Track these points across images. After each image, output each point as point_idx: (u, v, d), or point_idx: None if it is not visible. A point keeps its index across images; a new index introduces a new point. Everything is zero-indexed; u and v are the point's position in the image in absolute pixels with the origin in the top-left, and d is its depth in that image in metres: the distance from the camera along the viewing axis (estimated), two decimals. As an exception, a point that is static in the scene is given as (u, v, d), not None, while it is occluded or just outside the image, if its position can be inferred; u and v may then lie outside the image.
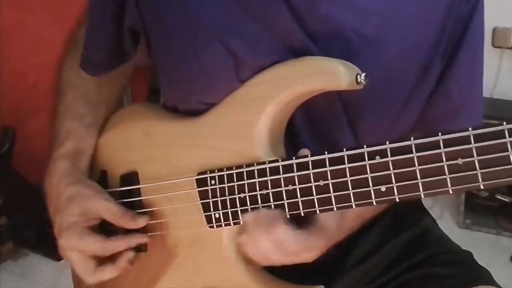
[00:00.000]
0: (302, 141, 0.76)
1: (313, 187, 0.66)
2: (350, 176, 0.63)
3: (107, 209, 0.79)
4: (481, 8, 0.77)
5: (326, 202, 0.65)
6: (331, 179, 0.65)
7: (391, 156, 0.61)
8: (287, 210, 0.68)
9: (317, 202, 0.66)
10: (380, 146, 0.62)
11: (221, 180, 0.72)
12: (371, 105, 0.74)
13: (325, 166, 0.65)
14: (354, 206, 0.64)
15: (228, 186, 0.72)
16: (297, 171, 0.67)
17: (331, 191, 0.65)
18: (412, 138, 0.60)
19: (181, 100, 0.80)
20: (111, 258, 0.80)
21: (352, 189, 0.63)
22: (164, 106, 0.86)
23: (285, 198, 0.68)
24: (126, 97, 2.00)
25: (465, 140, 0.57)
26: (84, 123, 0.87)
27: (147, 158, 0.82)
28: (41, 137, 1.94)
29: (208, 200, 0.74)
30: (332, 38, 0.71)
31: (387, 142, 0.61)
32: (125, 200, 0.83)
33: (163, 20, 0.76)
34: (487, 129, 0.56)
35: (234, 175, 0.71)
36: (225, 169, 0.72)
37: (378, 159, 0.62)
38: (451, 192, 0.58)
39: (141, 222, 0.80)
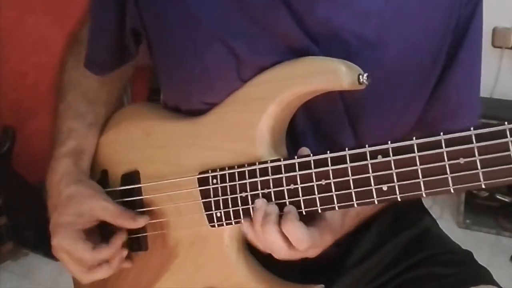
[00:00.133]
0: (303, 140, 0.75)
1: (315, 186, 0.66)
2: (352, 175, 0.63)
3: (106, 209, 0.79)
4: (481, 10, 0.78)
5: (328, 201, 0.65)
6: (333, 178, 0.65)
7: (393, 156, 0.61)
8: None
9: (319, 201, 0.66)
10: (382, 146, 0.62)
11: (222, 179, 0.72)
12: (372, 106, 0.74)
13: (327, 165, 0.65)
14: (356, 205, 0.64)
15: (229, 185, 0.72)
16: (299, 170, 0.67)
17: (333, 190, 0.65)
18: (414, 138, 0.60)
19: (182, 100, 0.80)
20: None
21: (354, 188, 0.63)
22: (164, 106, 0.86)
23: (286, 197, 0.68)
24: (126, 97, 2.00)
25: (467, 140, 0.57)
26: (86, 122, 0.88)
27: (148, 158, 0.82)
28: (41, 137, 1.94)
29: (209, 199, 0.74)
30: (332, 40, 0.71)
31: (389, 142, 0.61)
32: (126, 199, 0.83)
33: (163, 20, 0.76)
34: (488, 128, 0.56)
35: (236, 174, 0.71)
36: (226, 168, 0.72)
37: (380, 159, 0.62)
38: (452, 191, 0.58)
39: (141, 221, 0.80)
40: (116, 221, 0.80)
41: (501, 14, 2.18)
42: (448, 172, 0.58)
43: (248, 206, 0.71)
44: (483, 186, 0.56)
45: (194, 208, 0.76)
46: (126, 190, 0.83)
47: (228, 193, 0.72)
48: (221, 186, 0.73)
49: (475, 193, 2.28)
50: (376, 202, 0.63)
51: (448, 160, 0.58)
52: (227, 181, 0.72)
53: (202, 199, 0.74)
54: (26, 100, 2.21)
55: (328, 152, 0.65)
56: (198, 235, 0.77)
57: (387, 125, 0.76)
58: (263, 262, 0.77)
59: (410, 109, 0.78)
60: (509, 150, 0.55)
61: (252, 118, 0.71)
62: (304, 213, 0.67)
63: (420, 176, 0.59)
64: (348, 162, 0.64)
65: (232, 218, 0.72)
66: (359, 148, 0.63)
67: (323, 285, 0.74)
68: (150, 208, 0.81)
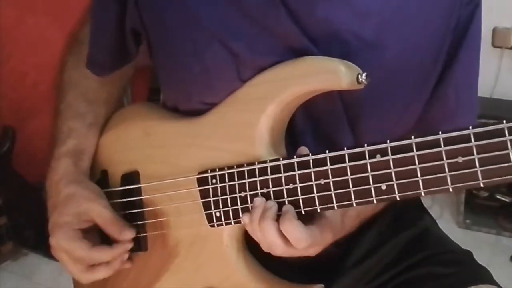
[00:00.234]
0: (303, 140, 0.76)
1: (314, 185, 0.66)
2: (350, 174, 0.63)
3: (100, 214, 0.80)
4: (480, 11, 0.78)
5: (327, 201, 0.65)
6: (332, 177, 0.65)
7: (391, 155, 0.61)
8: None
9: (318, 201, 0.66)
10: (381, 145, 0.62)
11: (222, 179, 0.72)
12: (372, 106, 0.74)
13: (326, 165, 0.65)
14: (354, 205, 0.64)
15: (229, 185, 0.72)
16: (298, 170, 0.67)
17: (332, 189, 0.65)
18: (412, 137, 0.60)
19: (182, 100, 0.80)
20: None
21: (353, 187, 0.64)
22: (164, 106, 0.86)
23: (285, 197, 0.68)
24: (126, 97, 2.00)
25: (465, 139, 0.57)
26: (86, 122, 0.88)
27: (147, 158, 0.82)
28: (41, 137, 1.94)
29: (209, 199, 0.74)
30: (331, 40, 0.71)
31: (388, 141, 0.62)
32: (126, 199, 0.83)
33: (163, 21, 0.76)
34: (487, 127, 0.56)
35: (235, 174, 0.71)
36: (226, 168, 0.72)
37: (378, 158, 0.62)
38: (451, 190, 0.58)
39: (126, 235, 0.80)
40: (106, 228, 0.80)
41: (501, 14, 2.18)
42: (447, 170, 0.58)
43: (248, 206, 0.71)
44: (482, 185, 0.57)
45: (194, 208, 0.76)
46: (126, 190, 0.83)
47: (227, 193, 0.72)
48: (220, 186, 0.73)
49: (475, 193, 2.28)
50: (375, 201, 0.63)
51: (447, 159, 0.58)
52: (226, 181, 0.72)
53: (201, 199, 0.74)
54: (26, 100, 2.21)
55: (327, 151, 0.65)
56: (198, 235, 0.77)
57: (387, 125, 0.76)
58: (263, 262, 0.78)
59: (409, 109, 0.78)
60: (507, 149, 0.55)
61: (251, 118, 0.71)
62: (303, 212, 0.67)
63: (419, 175, 0.60)
64: (347, 161, 0.64)
65: (232, 218, 0.72)
66: (358, 147, 0.63)
67: (322, 285, 0.75)
68: (150, 208, 0.81)
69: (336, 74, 0.66)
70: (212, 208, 0.74)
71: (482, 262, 0.87)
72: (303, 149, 0.68)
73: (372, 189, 0.62)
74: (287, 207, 0.67)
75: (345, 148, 0.64)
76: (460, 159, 0.57)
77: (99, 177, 0.88)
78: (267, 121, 0.71)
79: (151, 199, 0.81)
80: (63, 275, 1.88)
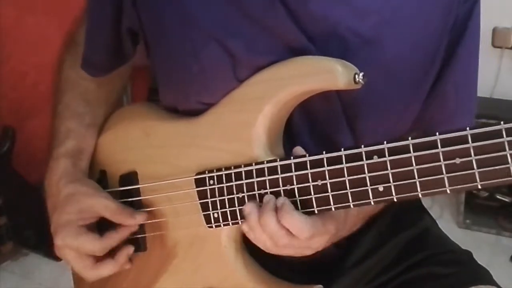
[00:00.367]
0: (300, 141, 0.75)
1: (311, 186, 0.66)
2: (348, 175, 0.63)
3: (106, 206, 0.79)
4: (479, 8, 0.77)
5: (324, 202, 0.65)
6: (329, 178, 0.65)
7: (388, 156, 0.61)
8: None
9: (315, 202, 0.66)
10: (378, 146, 0.62)
11: (219, 180, 0.72)
12: (370, 105, 0.74)
13: (323, 166, 0.65)
14: (352, 206, 0.64)
15: (226, 186, 0.72)
16: (295, 171, 0.67)
17: (329, 190, 0.65)
18: (409, 138, 0.60)
19: (180, 100, 0.80)
20: (110, 253, 0.80)
21: (350, 188, 0.63)
22: (162, 106, 0.86)
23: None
24: (126, 97, 2.00)
25: (463, 140, 0.57)
26: (84, 122, 0.88)
27: (146, 158, 0.82)
28: (41, 137, 1.93)
29: (206, 200, 0.74)
30: (329, 38, 0.70)
31: (385, 142, 0.61)
32: (124, 200, 0.83)
33: (161, 20, 0.76)
34: (484, 128, 0.56)
35: (233, 175, 0.71)
36: (223, 169, 0.72)
37: (376, 159, 0.62)
38: (448, 191, 0.58)
39: (139, 219, 0.80)
40: (115, 218, 0.80)
41: (501, 14, 2.18)
42: (444, 172, 0.58)
43: (246, 207, 0.71)
44: (479, 187, 0.56)
45: (192, 208, 0.76)
46: (125, 190, 0.83)
47: (225, 193, 0.72)
48: (218, 187, 0.73)
49: (475, 193, 2.28)
50: (372, 203, 0.62)
51: (444, 160, 0.58)
52: (224, 181, 0.72)
53: (199, 199, 0.74)
54: (26, 100, 2.21)
55: (324, 152, 0.65)
56: (196, 235, 0.77)
57: (386, 124, 0.76)
58: (261, 263, 0.78)
59: (408, 108, 0.78)
60: (505, 150, 0.55)
61: (249, 118, 0.71)
62: None
63: (416, 177, 0.59)
64: (344, 162, 0.64)
65: (230, 219, 0.72)
66: (355, 148, 0.63)
67: (321, 286, 0.75)
68: (149, 209, 0.81)
69: (333, 74, 0.65)
70: (210, 209, 0.74)
71: (482, 262, 0.87)
72: (299, 149, 0.68)
73: (369, 190, 0.62)
74: (282, 200, 0.66)
75: (342, 149, 0.64)
76: (457, 161, 0.57)
77: (98, 177, 0.87)
78: (264, 121, 0.71)
79: (149, 200, 0.81)
80: (63, 275, 1.89)
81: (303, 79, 0.68)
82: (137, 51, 0.88)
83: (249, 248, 0.77)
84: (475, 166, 0.56)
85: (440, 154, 0.58)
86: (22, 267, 2.16)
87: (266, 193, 0.69)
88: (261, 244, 0.69)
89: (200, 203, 0.74)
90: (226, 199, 0.72)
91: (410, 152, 0.60)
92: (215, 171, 0.73)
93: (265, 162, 0.69)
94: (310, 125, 0.75)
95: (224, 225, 0.73)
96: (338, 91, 0.70)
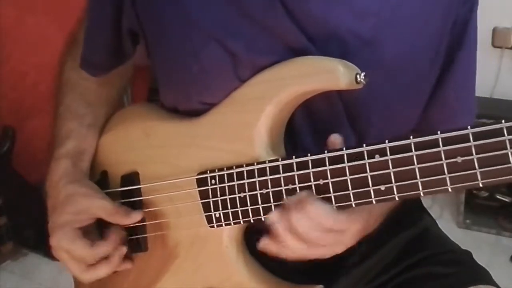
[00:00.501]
0: (302, 140, 0.76)
1: (313, 186, 0.66)
2: (349, 175, 0.63)
3: (102, 206, 0.80)
4: (476, 9, 0.78)
5: (326, 201, 0.65)
6: (331, 178, 0.65)
7: (390, 155, 0.61)
8: None
9: (317, 201, 0.66)
10: (380, 145, 0.62)
11: (221, 179, 0.72)
12: (371, 105, 0.74)
13: (325, 165, 0.65)
14: (354, 205, 0.64)
15: (228, 186, 0.72)
16: (297, 170, 0.67)
17: (331, 190, 0.65)
18: (411, 137, 0.60)
19: (181, 100, 0.80)
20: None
21: (352, 188, 0.64)
22: (162, 106, 0.86)
23: (285, 197, 0.68)
24: (126, 97, 2.00)
25: (464, 139, 0.57)
26: (85, 123, 0.88)
27: (147, 159, 0.82)
28: (41, 137, 1.94)
29: (208, 200, 0.74)
30: (329, 39, 0.70)
31: (387, 141, 0.62)
32: (126, 200, 0.83)
33: (160, 21, 0.76)
34: (485, 127, 0.56)
35: (234, 174, 0.71)
36: (225, 169, 0.72)
37: (377, 158, 0.62)
38: (450, 190, 0.58)
39: (135, 217, 0.80)
40: (111, 219, 0.80)
41: (501, 14, 2.18)
42: (446, 171, 0.58)
43: (247, 208, 0.71)
44: (481, 185, 0.57)
45: (193, 208, 0.76)
46: (126, 191, 0.83)
47: (227, 193, 0.72)
48: (219, 187, 0.73)
49: (475, 193, 2.27)
50: (374, 202, 0.63)
51: (446, 159, 0.58)
52: (226, 181, 0.72)
53: (201, 199, 0.74)
54: (26, 100, 2.21)
55: (326, 151, 0.65)
56: (198, 235, 0.77)
57: (388, 124, 0.76)
58: (262, 263, 0.78)
59: (410, 108, 0.78)
60: (506, 149, 0.55)
61: (250, 118, 0.71)
62: None
63: (418, 176, 0.60)
64: (346, 161, 0.64)
65: (231, 219, 0.72)
66: (356, 147, 0.63)
67: (322, 286, 0.75)
68: (150, 209, 0.81)
69: (334, 74, 0.66)
70: (212, 209, 0.74)
71: (482, 262, 0.87)
72: (335, 137, 0.67)
73: (371, 189, 0.62)
74: (305, 192, 0.66)
75: (344, 148, 0.64)
76: (459, 159, 0.57)
77: (99, 178, 0.87)
78: (265, 121, 0.71)
79: (151, 200, 0.81)
80: (63, 275, 1.89)
81: (305, 79, 0.68)
82: (137, 51, 0.88)
83: (250, 248, 0.77)
84: (476, 165, 0.56)
85: (442, 152, 0.58)
86: (22, 267, 2.16)
87: (268, 192, 0.69)
88: (290, 251, 0.68)
89: (201, 203, 0.74)
90: (228, 199, 0.72)
91: (411, 151, 0.60)
92: (217, 170, 0.73)
93: (267, 161, 0.69)
94: (311, 125, 0.75)
95: (225, 225, 0.73)
96: (340, 91, 0.70)
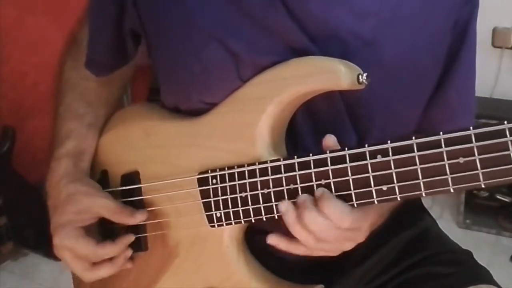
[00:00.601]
0: (304, 140, 0.76)
1: (315, 186, 0.66)
2: (351, 175, 0.63)
3: (105, 205, 0.79)
4: (478, 9, 0.78)
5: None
6: (333, 178, 0.65)
7: (392, 155, 0.61)
8: None
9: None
10: (382, 145, 0.62)
11: (222, 179, 0.72)
12: (373, 106, 0.74)
13: (327, 165, 0.65)
14: (355, 205, 0.64)
15: (229, 185, 0.72)
16: (299, 170, 0.67)
17: (333, 190, 0.65)
18: (413, 137, 0.60)
19: (182, 100, 0.80)
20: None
21: (354, 188, 0.64)
22: (163, 106, 0.86)
23: (286, 197, 0.68)
24: (126, 97, 2.00)
25: (466, 139, 0.57)
26: (85, 123, 0.88)
27: (147, 158, 0.82)
28: (41, 137, 1.94)
29: (209, 200, 0.74)
30: (330, 39, 0.71)
31: (389, 141, 0.62)
32: (126, 199, 0.83)
33: (162, 21, 0.76)
34: (488, 128, 0.56)
35: (236, 174, 0.71)
36: (226, 168, 0.72)
37: (379, 158, 0.62)
38: (452, 191, 0.58)
39: (139, 217, 0.80)
40: (115, 218, 0.80)
41: (501, 14, 2.19)
42: (448, 171, 0.58)
43: (248, 207, 0.71)
44: (483, 186, 0.57)
45: (194, 208, 0.76)
46: (126, 190, 0.83)
47: (228, 193, 0.72)
48: (220, 186, 0.73)
49: (475, 193, 2.28)
50: (376, 202, 0.63)
51: (448, 159, 0.58)
52: (227, 181, 0.72)
53: (202, 199, 0.74)
54: (26, 100, 2.21)
55: (328, 151, 0.65)
56: (198, 235, 0.77)
57: (389, 125, 0.76)
58: (263, 262, 0.78)
59: (411, 108, 0.78)
60: (508, 150, 0.55)
61: (252, 118, 0.71)
62: None
63: (420, 176, 0.60)
64: (348, 162, 0.64)
65: (232, 218, 0.72)
66: (358, 147, 0.63)
67: (322, 285, 0.75)
68: (150, 209, 0.81)
69: (336, 74, 0.65)
70: (213, 209, 0.74)
71: (482, 262, 0.87)
72: (329, 140, 0.67)
73: (373, 190, 0.62)
74: (321, 190, 0.65)
75: (346, 149, 0.64)
76: (461, 160, 0.57)
77: (99, 177, 0.87)
78: (267, 121, 0.71)
79: (151, 200, 0.81)
80: (63, 275, 1.89)
81: (306, 79, 0.68)
82: (138, 51, 0.88)
83: (250, 248, 0.77)
84: (478, 166, 0.56)
85: (444, 153, 0.58)
86: (22, 267, 2.16)
87: (269, 192, 0.69)
88: (295, 247, 0.68)
89: (202, 202, 0.74)
90: (229, 199, 0.72)
91: (414, 152, 0.60)
92: (218, 170, 0.73)
93: (268, 161, 0.69)
94: (313, 125, 0.75)
95: (226, 224, 0.73)
96: (341, 91, 0.70)
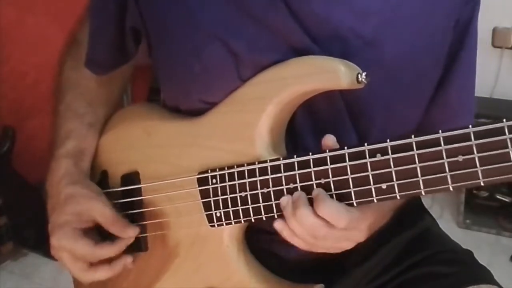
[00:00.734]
0: (303, 140, 0.76)
1: (314, 185, 0.66)
2: (351, 174, 0.64)
3: (102, 213, 0.79)
4: (479, 8, 0.78)
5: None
6: (332, 177, 0.65)
7: (391, 154, 0.61)
8: None
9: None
10: (381, 144, 0.62)
11: (222, 179, 0.72)
12: (373, 105, 0.74)
13: (326, 164, 0.65)
14: (355, 204, 0.64)
15: (229, 185, 0.72)
16: (298, 169, 0.67)
17: (332, 189, 0.65)
18: (413, 136, 0.60)
19: (183, 99, 0.80)
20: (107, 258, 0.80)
21: (353, 187, 0.64)
22: (164, 105, 0.86)
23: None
24: (126, 97, 2.00)
25: (465, 137, 0.57)
26: (85, 123, 0.87)
27: (148, 158, 0.82)
28: (41, 137, 1.94)
29: (209, 199, 0.74)
30: (331, 38, 0.71)
31: (388, 140, 0.62)
32: (126, 199, 0.83)
33: (163, 19, 0.77)
34: (486, 126, 0.56)
35: (235, 173, 0.71)
36: (226, 168, 0.72)
37: (379, 157, 0.62)
38: (451, 189, 0.58)
39: (130, 233, 0.80)
40: (107, 226, 0.80)
41: (501, 14, 2.19)
42: (447, 169, 0.58)
43: (248, 206, 0.71)
44: (482, 184, 0.57)
45: (194, 208, 0.76)
46: (126, 190, 0.83)
47: (228, 192, 0.72)
48: (220, 186, 0.73)
49: (475, 193, 2.28)
50: (375, 201, 0.63)
51: (447, 157, 0.58)
52: (227, 181, 0.72)
53: (201, 199, 0.74)
54: (26, 100, 2.21)
55: (327, 151, 0.65)
56: (198, 235, 0.77)
57: (389, 124, 0.76)
58: (263, 262, 0.77)
59: (411, 108, 0.78)
60: (507, 147, 0.55)
61: (251, 118, 0.71)
62: None
63: (419, 174, 0.60)
64: (347, 160, 0.64)
65: (232, 218, 0.72)
66: (358, 146, 0.63)
67: (322, 285, 0.74)
68: (150, 209, 0.81)
69: (335, 74, 0.66)
70: (213, 209, 0.74)
71: (482, 262, 0.87)
72: (328, 139, 0.67)
73: (373, 188, 0.62)
74: (318, 190, 0.65)
75: (345, 148, 0.64)
76: (460, 158, 0.57)
77: (99, 177, 0.87)
78: (267, 121, 0.71)
79: (151, 200, 0.81)
80: (63, 275, 1.88)
81: (306, 78, 0.68)
82: (139, 50, 0.88)
83: (250, 247, 0.77)
84: (477, 164, 0.57)
85: (443, 151, 0.58)
86: (22, 267, 2.16)
87: (269, 191, 0.69)
88: (296, 240, 0.68)
89: (202, 202, 0.74)
90: (229, 198, 0.72)
91: (413, 150, 0.60)
92: (217, 170, 0.73)
93: (268, 161, 0.69)
94: (313, 125, 0.75)
95: (226, 224, 0.73)
96: (341, 90, 0.70)
